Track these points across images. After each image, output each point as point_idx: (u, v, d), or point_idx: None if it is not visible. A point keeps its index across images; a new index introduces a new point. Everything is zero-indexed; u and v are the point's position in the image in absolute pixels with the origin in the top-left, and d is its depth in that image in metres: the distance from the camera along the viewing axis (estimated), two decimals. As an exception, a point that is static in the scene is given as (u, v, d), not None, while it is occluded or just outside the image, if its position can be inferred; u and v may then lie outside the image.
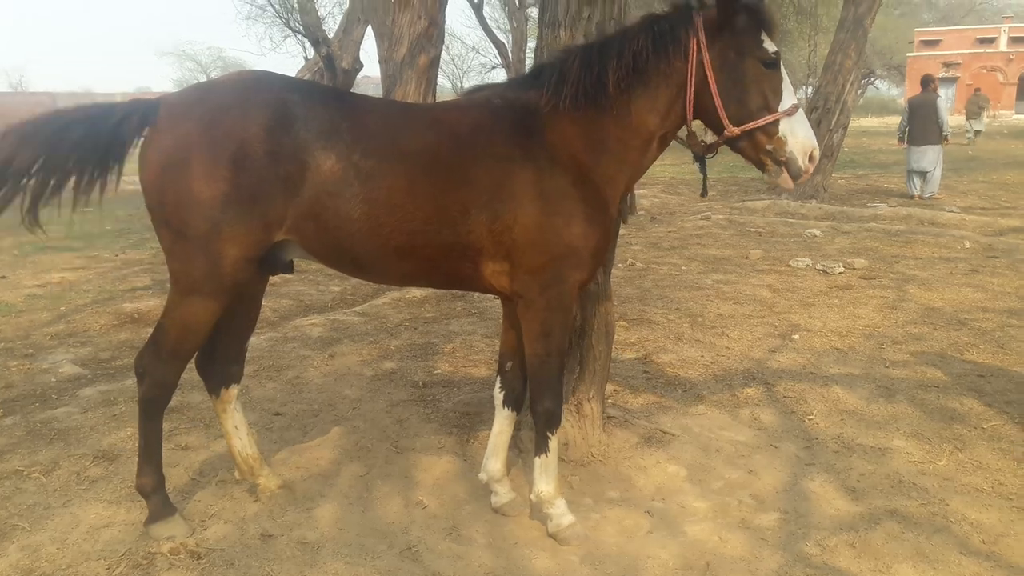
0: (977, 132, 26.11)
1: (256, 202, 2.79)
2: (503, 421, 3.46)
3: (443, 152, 2.92)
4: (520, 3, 34.14)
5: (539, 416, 3.22)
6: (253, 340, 5.77)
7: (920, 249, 9.20)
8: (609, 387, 4.71)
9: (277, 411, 4.53)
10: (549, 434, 3.24)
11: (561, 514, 3.25)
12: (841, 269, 7.99)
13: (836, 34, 12.28)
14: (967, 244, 9.33)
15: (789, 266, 8.29)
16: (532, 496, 3.32)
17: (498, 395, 3.47)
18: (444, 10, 9.80)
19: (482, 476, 3.50)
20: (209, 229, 2.79)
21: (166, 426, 4.23)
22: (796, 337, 5.89)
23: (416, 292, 7.27)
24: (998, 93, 48.50)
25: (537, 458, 3.28)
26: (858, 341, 5.77)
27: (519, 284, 3.02)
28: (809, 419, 4.42)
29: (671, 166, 21.63)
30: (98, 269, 8.54)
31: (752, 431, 4.29)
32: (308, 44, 23.65)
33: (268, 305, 6.82)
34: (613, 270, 8.10)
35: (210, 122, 2.79)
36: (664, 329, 6.16)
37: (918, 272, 7.91)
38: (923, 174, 13.48)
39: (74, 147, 2.88)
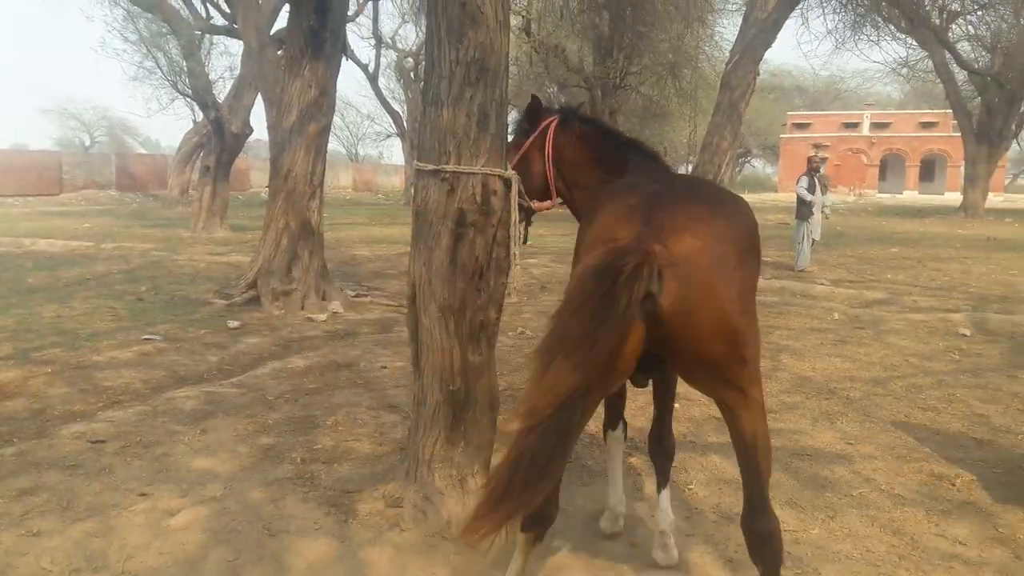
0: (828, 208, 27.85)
1: None
2: None
3: None
4: (415, 75, 34.71)
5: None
6: (119, 415, 5.48)
7: (793, 320, 9.65)
8: (495, 460, 4.68)
9: (143, 492, 4.25)
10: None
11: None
12: (721, 339, 8.24)
13: (713, 117, 12.97)
14: (836, 315, 9.86)
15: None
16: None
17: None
18: (336, 79, 9.82)
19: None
20: None
21: (17, 509, 3.93)
22: (676, 406, 6.00)
23: (299, 362, 7.07)
24: (863, 173, 52.30)
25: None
26: (736, 410, 5.94)
27: None
28: (689, 488, 4.48)
29: (562, 236, 22.14)
30: (-49, 338, 7.93)
31: (634, 501, 4.30)
32: (197, 107, 23.30)
33: (139, 377, 6.49)
34: (504, 339, 8.19)
35: None
36: (551, 399, 6.16)
37: (791, 342, 8.28)
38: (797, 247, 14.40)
39: None
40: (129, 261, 14.22)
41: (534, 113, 3.87)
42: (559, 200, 3.94)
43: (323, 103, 9.61)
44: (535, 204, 3.90)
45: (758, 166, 61.56)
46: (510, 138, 3.93)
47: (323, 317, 9.27)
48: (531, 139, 3.82)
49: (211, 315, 9.33)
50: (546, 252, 17.58)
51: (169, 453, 4.81)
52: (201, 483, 4.36)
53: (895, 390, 6.48)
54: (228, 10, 19.09)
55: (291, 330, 8.65)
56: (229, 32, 21.00)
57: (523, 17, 22.10)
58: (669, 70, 22.50)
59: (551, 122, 3.80)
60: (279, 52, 12.83)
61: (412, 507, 3.81)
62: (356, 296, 10.75)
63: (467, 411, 3.77)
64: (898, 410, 5.97)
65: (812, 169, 14.76)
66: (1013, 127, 28.71)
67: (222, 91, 23.20)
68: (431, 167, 3.58)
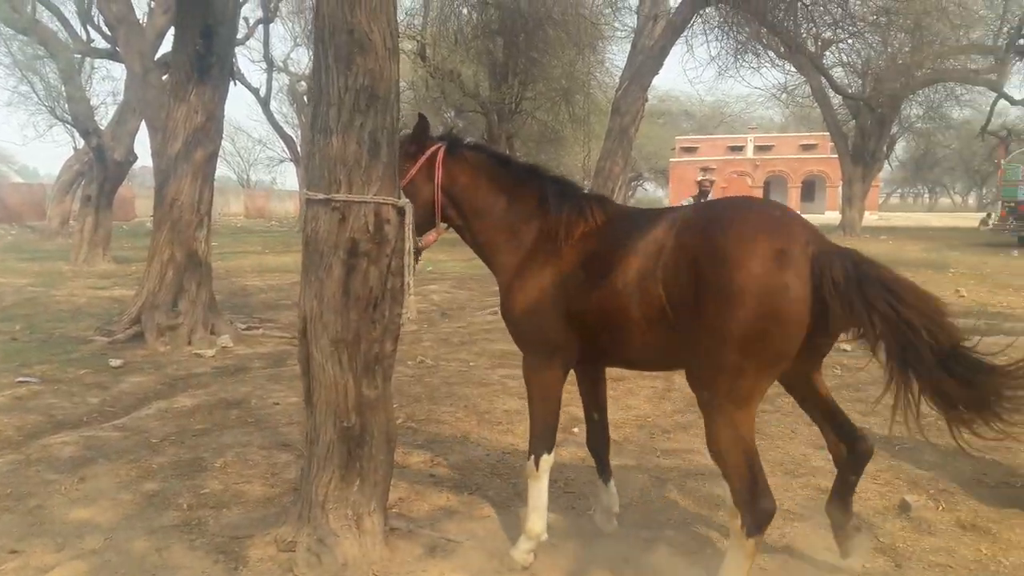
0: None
1: None
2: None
3: None
4: (308, 99, 34.16)
5: None
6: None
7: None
8: (394, 495, 4.57)
9: (13, 549, 3.94)
10: None
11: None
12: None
13: (605, 142, 13.27)
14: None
15: (571, 359, 8.60)
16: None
17: None
18: (223, 105, 9.54)
19: None
20: None
21: None
22: (576, 430, 6.04)
23: (186, 401, 6.76)
24: (747, 195, 54.46)
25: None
26: (632, 432, 6.03)
27: None
28: (589, 514, 4.49)
29: (462, 262, 22.14)
30: None
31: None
32: (77, 134, 22.22)
33: (11, 423, 6.07)
34: (403, 368, 8.07)
35: None
36: (452, 428, 6.11)
37: (686, 362, 8.46)
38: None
39: None
40: (2, 298, 13.35)
41: (422, 135, 3.91)
42: (444, 226, 4.05)
43: (210, 129, 9.31)
44: (421, 242, 3.94)
45: (650, 189, 63.44)
46: None
47: (212, 352, 8.91)
48: (418, 165, 3.85)
49: (92, 354, 8.83)
50: (446, 278, 17.54)
51: (43, 505, 4.49)
52: (79, 535, 4.08)
53: (783, 406, 6.70)
54: (109, 33, 18.30)
55: (177, 367, 8.27)
56: (111, 56, 20.15)
57: (418, 42, 22.13)
58: (563, 96, 22.96)
59: (438, 148, 3.87)
60: (164, 77, 12.37)
61: (305, 551, 3.67)
62: (247, 329, 10.40)
63: (362, 448, 3.67)
64: (786, 426, 6.18)
65: (703, 192, 15.25)
66: (885, 148, 30.54)
67: (104, 117, 22.25)
68: (321, 196, 3.49)
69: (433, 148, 3.88)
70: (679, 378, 7.73)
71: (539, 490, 3.83)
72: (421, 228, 3.93)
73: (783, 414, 6.49)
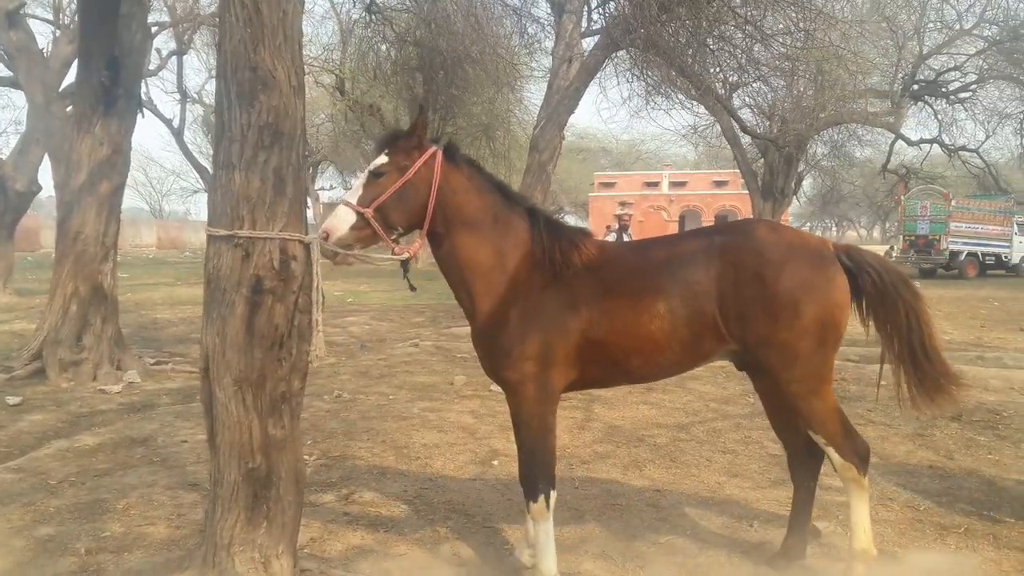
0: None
1: None
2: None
3: None
4: (208, 134, 33.54)
5: None
6: None
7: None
8: (306, 535, 4.45)
9: None
10: None
11: None
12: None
13: (524, 178, 13.42)
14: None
15: (490, 391, 8.58)
16: None
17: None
18: (131, 136, 9.28)
19: None
20: None
21: None
22: (496, 463, 6.03)
23: (88, 439, 6.47)
24: (663, 229, 55.74)
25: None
26: (551, 464, 6.03)
27: None
28: (506, 548, 4.46)
29: (383, 292, 21.94)
30: None
31: (453, 568, 4.23)
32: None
33: None
34: (319, 403, 7.91)
35: None
36: (368, 464, 6.00)
37: (602, 392, 8.54)
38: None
39: None
40: None
41: (421, 133, 3.75)
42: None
43: (116, 161, 9.03)
44: (398, 249, 3.80)
45: (571, 222, 64.36)
46: (382, 162, 3.72)
47: (117, 388, 8.56)
48: (417, 165, 3.69)
49: (-13, 391, 8.37)
50: (366, 309, 17.35)
51: (-77, 556, 4.21)
52: (-37, 588, 3.84)
53: (698, 435, 6.85)
54: (9, 60, 17.60)
55: (81, 404, 7.92)
56: (13, 84, 19.36)
57: (336, 76, 22.03)
58: (483, 131, 23.11)
59: (435, 151, 3.76)
60: (68, 108, 11.97)
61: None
62: (156, 364, 10.04)
63: (269, 489, 3.56)
64: (701, 454, 6.30)
65: (622, 226, 15.49)
66: (793, 185, 31.69)
67: (6, 146, 21.28)
68: (223, 232, 3.41)
69: (432, 150, 3.75)
70: (598, 408, 7.81)
71: (547, 531, 3.78)
72: (409, 231, 3.83)
73: (697, 442, 6.62)
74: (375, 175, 3.70)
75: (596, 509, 5.09)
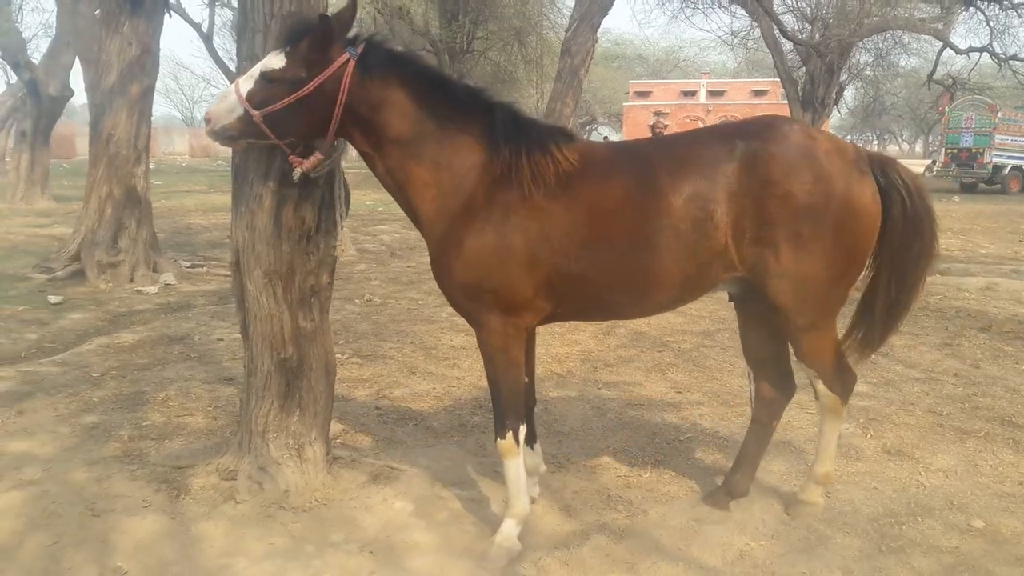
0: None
1: None
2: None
3: None
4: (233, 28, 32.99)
5: None
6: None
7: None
8: (338, 427, 4.62)
9: (-53, 479, 3.91)
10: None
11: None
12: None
13: (555, 84, 13.14)
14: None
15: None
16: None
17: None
18: (159, 37, 9.23)
19: None
20: None
21: None
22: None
23: (127, 337, 6.69)
24: (700, 140, 54.61)
25: None
26: (575, 365, 6.15)
27: None
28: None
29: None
30: None
31: (478, 459, 4.38)
32: (9, 68, 21.23)
33: (-56, 359, 5.94)
34: (350, 306, 8.06)
35: None
36: (398, 364, 6.16)
37: (631, 300, 8.59)
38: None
39: None
40: (-67, 236, 12.92)
41: (325, 42, 3.05)
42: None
43: (146, 62, 9.02)
44: (294, 159, 3.25)
45: (605, 132, 63.22)
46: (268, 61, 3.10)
47: (154, 290, 8.79)
48: (316, 82, 3.04)
49: (30, 291, 8.64)
50: (396, 218, 17.40)
51: (-22, 439, 4.44)
52: (16, 467, 4.06)
53: (722, 341, 6.90)
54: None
55: (119, 304, 8.15)
56: (43, -16, 19.22)
57: (365, -25, 21.52)
58: (515, 36, 22.63)
59: (347, 60, 3.08)
60: (96, 10, 11.88)
61: (247, 479, 3.71)
62: (191, 267, 10.26)
63: (301, 379, 3.69)
64: (724, 359, 6.36)
65: (657, 135, 15.27)
66: (834, 95, 30.82)
67: (38, 50, 21.25)
68: (250, 126, 3.41)
69: (342, 59, 3.07)
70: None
71: (517, 466, 3.40)
72: (301, 145, 3.29)
73: (722, 348, 6.67)
74: (267, 79, 3.07)
75: (618, 408, 5.20)
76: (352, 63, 3.08)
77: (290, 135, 3.17)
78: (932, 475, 4.17)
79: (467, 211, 3.17)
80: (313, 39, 3.03)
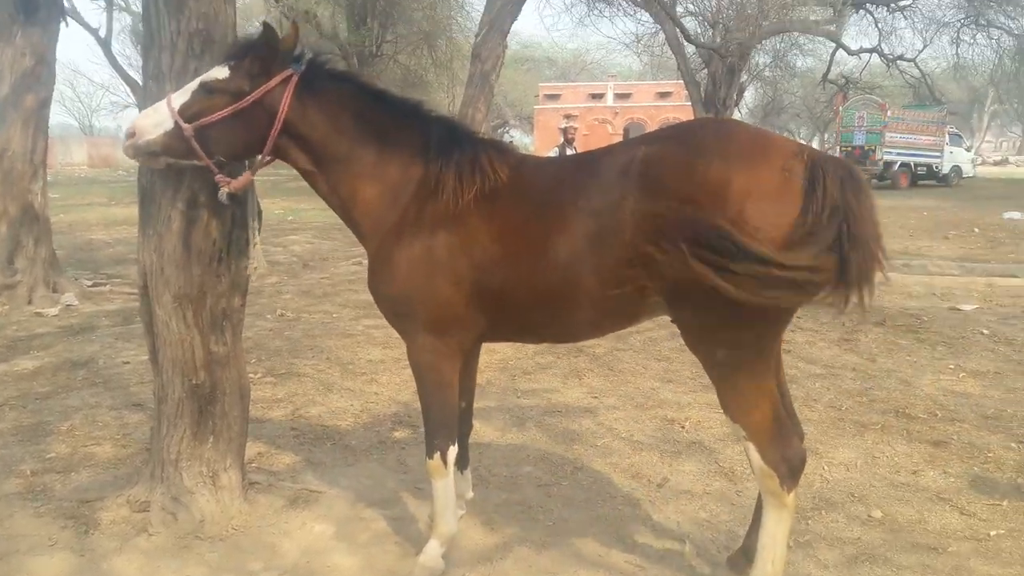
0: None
1: None
2: None
3: None
4: (137, 44, 31.93)
5: None
6: None
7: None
8: (254, 450, 4.54)
9: None
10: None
11: None
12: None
13: (466, 89, 13.16)
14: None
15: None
16: None
17: None
18: (55, 46, 8.85)
19: None
20: None
21: None
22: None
23: (27, 363, 6.40)
24: (608, 142, 55.56)
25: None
26: (494, 375, 6.21)
27: None
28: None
29: (325, 210, 21.59)
30: None
31: (400, 476, 4.37)
32: None
33: None
34: (262, 322, 7.91)
35: None
36: (314, 381, 6.08)
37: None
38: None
39: None
40: None
41: (269, 55, 3.05)
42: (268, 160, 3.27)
43: (41, 73, 8.64)
44: (220, 179, 3.17)
45: (516, 136, 63.62)
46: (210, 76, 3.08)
47: (55, 311, 8.41)
48: (261, 90, 3.03)
49: (-85, 317, 8.16)
50: (307, 228, 17.13)
51: None
52: (-94, 511, 3.85)
53: (634, 344, 7.06)
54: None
55: (17, 328, 7.77)
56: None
57: (269, -19, 21.09)
58: (424, 39, 22.57)
59: (290, 75, 3.09)
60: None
61: (160, 510, 3.62)
62: (93, 285, 9.86)
63: (214, 405, 3.62)
64: (637, 362, 6.52)
65: (568, 140, 15.36)
66: (735, 96, 31.85)
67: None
68: (156, 147, 3.34)
69: (284, 75, 3.07)
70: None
71: (446, 486, 3.34)
72: (229, 165, 3.23)
73: (634, 351, 6.84)
74: (206, 90, 3.05)
75: (536, 416, 5.28)
76: (295, 79, 3.09)
77: (221, 152, 3.11)
78: (835, 469, 4.39)
79: (400, 225, 3.15)
80: (258, 52, 3.05)
